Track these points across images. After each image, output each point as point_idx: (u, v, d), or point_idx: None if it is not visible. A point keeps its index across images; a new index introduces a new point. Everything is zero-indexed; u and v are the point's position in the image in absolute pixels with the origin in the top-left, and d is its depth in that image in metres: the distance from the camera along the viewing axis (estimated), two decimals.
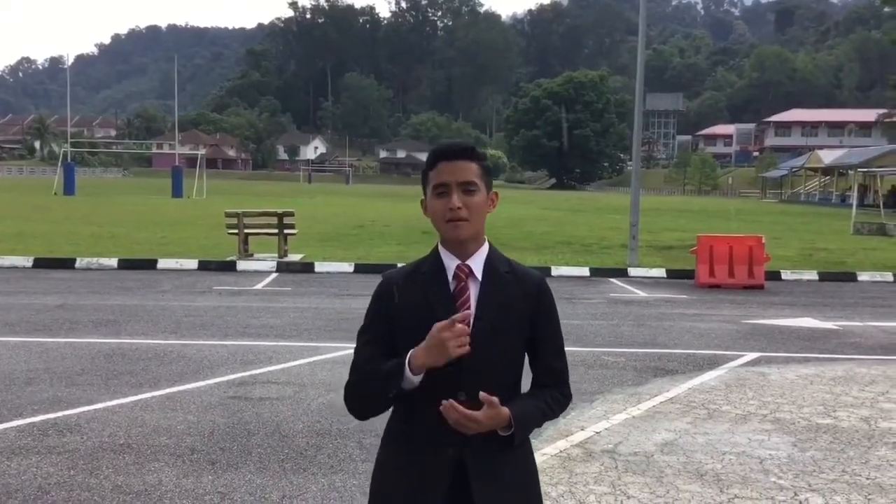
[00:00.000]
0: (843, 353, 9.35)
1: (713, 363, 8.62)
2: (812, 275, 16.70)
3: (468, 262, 2.21)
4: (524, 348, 2.27)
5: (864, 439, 6.16)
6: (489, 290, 2.20)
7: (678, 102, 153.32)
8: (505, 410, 2.10)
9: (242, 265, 16.31)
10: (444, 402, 2.05)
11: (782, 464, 5.56)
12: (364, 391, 2.22)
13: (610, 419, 6.50)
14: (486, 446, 2.14)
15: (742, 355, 9.04)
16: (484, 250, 2.24)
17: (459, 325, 2.04)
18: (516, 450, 2.20)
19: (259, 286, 13.96)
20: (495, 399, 2.08)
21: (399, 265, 14.69)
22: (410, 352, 2.10)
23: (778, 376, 8.11)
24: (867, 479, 5.33)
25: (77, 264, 15.85)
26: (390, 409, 2.26)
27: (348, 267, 16.22)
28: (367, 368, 2.21)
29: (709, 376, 8.05)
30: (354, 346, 2.30)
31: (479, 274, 2.20)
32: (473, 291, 2.19)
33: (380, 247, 19.74)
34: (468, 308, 2.17)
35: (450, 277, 2.20)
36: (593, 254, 19.48)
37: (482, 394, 2.07)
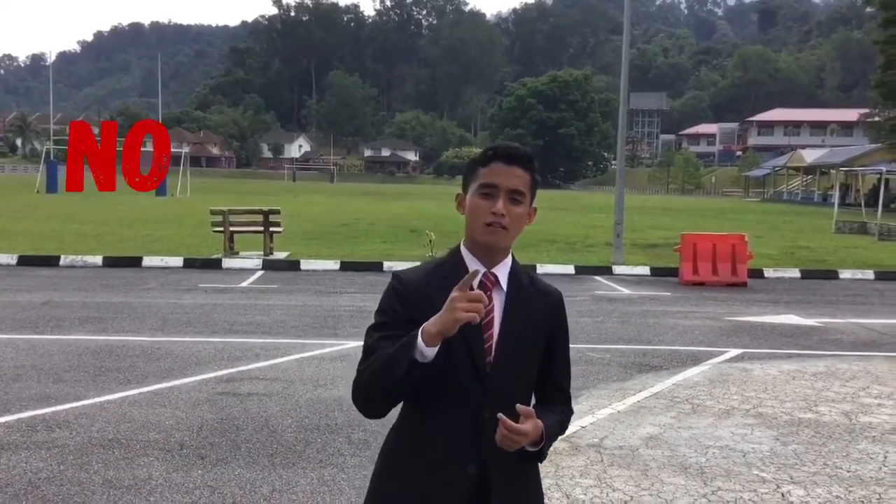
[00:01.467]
0: (825, 350, 9.47)
1: (697, 359, 8.72)
2: (794, 273, 16.87)
3: (494, 270, 2.12)
4: (539, 364, 2.20)
5: (845, 433, 6.26)
6: (514, 304, 2.13)
7: (662, 102, 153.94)
8: (541, 423, 2.05)
9: (228, 263, 16.29)
10: (501, 416, 1.95)
11: (765, 457, 5.66)
12: (375, 373, 2.04)
13: (595, 414, 6.57)
14: (508, 461, 2.07)
15: (725, 352, 9.15)
16: (508, 261, 2.16)
17: (474, 292, 1.92)
18: (531, 468, 2.17)
19: (245, 284, 13.96)
20: (533, 410, 2.03)
21: (385, 263, 14.51)
22: (424, 325, 1.98)
23: (760, 372, 8.22)
24: (847, 471, 5.43)
25: (62, 262, 15.78)
26: (393, 420, 2.16)
27: (334, 265, 16.23)
28: (380, 353, 2.06)
29: (692, 372, 8.14)
30: (363, 343, 2.15)
31: (504, 284, 2.13)
32: (498, 302, 2.12)
33: (365, 245, 19.76)
34: (492, 316, 2.09)
35: (475, 284, 2.06)
36: (578, 252, 19.59)
37: (520, 406, 1.99)
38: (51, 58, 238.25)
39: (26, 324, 9.83)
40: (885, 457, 5.73)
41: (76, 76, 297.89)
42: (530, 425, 1.99)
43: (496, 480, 2.07)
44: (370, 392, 2.07)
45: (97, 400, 6.63)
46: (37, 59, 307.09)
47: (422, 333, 1.95)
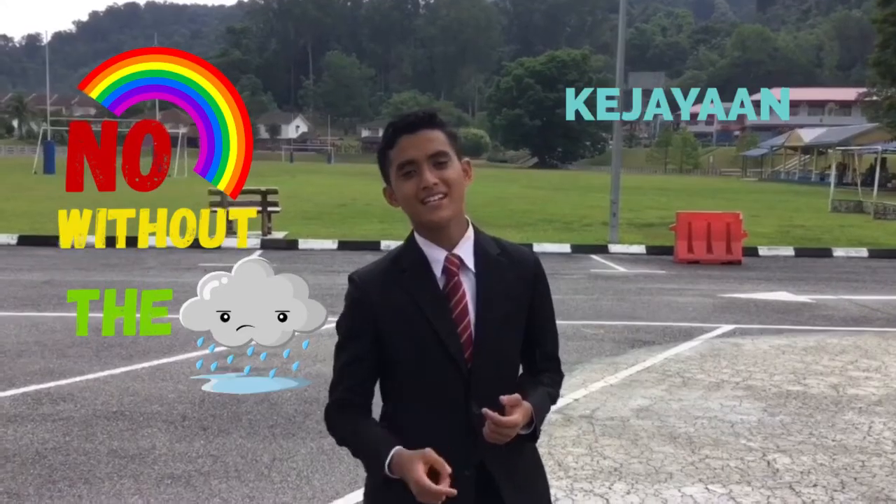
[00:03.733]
0: (816, 325, 9.62)
1: (689, 335, 8.87)
2: (788, 251, 17.01)
3: (456, 251, 1.94)
4: (522, 334, 2.04)
5: (832, 405, 6.41)
6: (485, 282, 1.94)
7: (660, 81, 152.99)
8: (528, 406, 1.91)
9: (227, 242, 16.37)
10: (486, 411, 1.82)
11: (752, 427, 5.81)
12: (342, 442, 2.03)
13: (588, 387, 6.72)
14: (507, 454, 1.95)
15: (717, 327, 9.30)
16: (470, 234, 1.97)
17: (439, 488, 1.75)
18: (527, 446, 2.04)
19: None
20: (519, 397, 1.88)
21: (383, 243, 14.61)
22: (395, 451, 1.84)
23: (751, 346, 8.36)
24: (833, 440, 5.58)
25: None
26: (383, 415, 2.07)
27: (332, 244, 16.36)
28: (349, 416, 1.98)
29: (684, 347, 8.29)
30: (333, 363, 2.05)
31: (471, 264, 1.94)
32: (468, 285, 1.93)
33: (362, 225, 19.87)
34: (464, 303, 1.92)
35: (437, 272, 1.93)
36: (574, 231, 19.71)
37: (504, 397, 1.84)
38: (46, 38, 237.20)
39: (28, 302, 9.96)
40: (870, 427, 5.88)
41: (72, 56, 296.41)
42: (518, 414, 1.85)
43: (501, 477, 1.95)
44: (340, 443, 2.07)
45: (100, 374, 6.77)
46: (32, 40, 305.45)
47: (389, 465, 1.84)
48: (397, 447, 1.85)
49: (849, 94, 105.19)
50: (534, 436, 1.98)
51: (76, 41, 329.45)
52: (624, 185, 19.18)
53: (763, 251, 16.80)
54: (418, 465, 1.78)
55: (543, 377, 2.08)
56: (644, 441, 5.46)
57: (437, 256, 1.93)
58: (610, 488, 4.67)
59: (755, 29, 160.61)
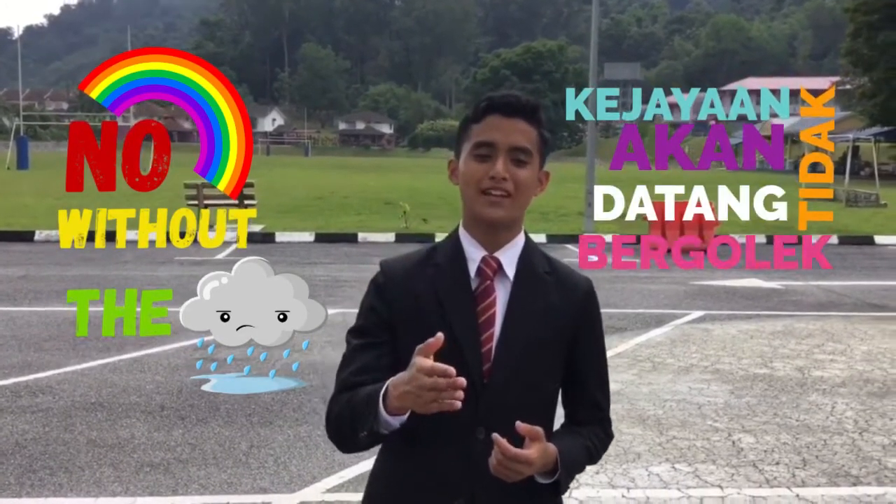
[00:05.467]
0: (784, 310, 9.83)
1: (661, 321, 9.04)
2: (761, 238, 17.23)
3: (497, 254, 1.74)
4: (562, 372, 1.80)
5: (797, 386, 6.59)
6: (522, 294, 1.73)
7: (636, 72, 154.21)
8: (552, 448, 1.65)
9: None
10: (495, 437, 1.57)
11: (719, 409, 5.97)
12: (338, 420, 1.72)
13: None
14: (504, 497, 1.68)
15: (688, 313, 9.48)
16: (519, 242, 1.77)
17: (441, 380, 1.49)
18: (545, 499, 1.74)
19: (221, 256, 14.09)
20: (539, 430, 1.60)
21: (360, 235, 14.70)
22: (389, 382, 1.58)
23: (721, 332, 8.55)
24: (797, 420, 5.75)
25: (36, 237, 15.83)
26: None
27: (309, 236, 16.41)
28: (349, 393, 1.70)
29: (656, 333, 8.46)
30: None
31: (510, 271, 1.74)
32: (502, 294, 1.73)
33: (340, 217, 19.91)
34: (493, 312, 1.71)
35: (472, 272, 1.73)
36: (551, 221, 19.88)
37: (521, 424, 1.59)
38: (18, 32, 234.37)
39: (4, 296, 9.96)
40: (833, 407, 6.06)
41: (43, 50, 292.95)
42: (536, 450, 1.59)
43: None
44: (337, 439, 1.77)
45: (78, 367, 6.82)
46: (3, 34, 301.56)
47: (384, 398, 1.58)
48: (391, 381, 1.60)
49: (823, 83, 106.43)
50: (556, 488, 1.69)
51: (48, 34, 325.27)
52: (600, 176, 19.36)
53: (736, 239, 17.03)
54: (415, 361, 1.52)
55: (584, 430, 1.81)
56: (614, 424, 5.59)
57: (475, 255, 1.73)
58: None
59: (730, 19, 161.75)
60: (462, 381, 1.49)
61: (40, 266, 12.55)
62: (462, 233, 1.76)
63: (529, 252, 1.77)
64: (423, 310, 1.70)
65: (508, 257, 1.74)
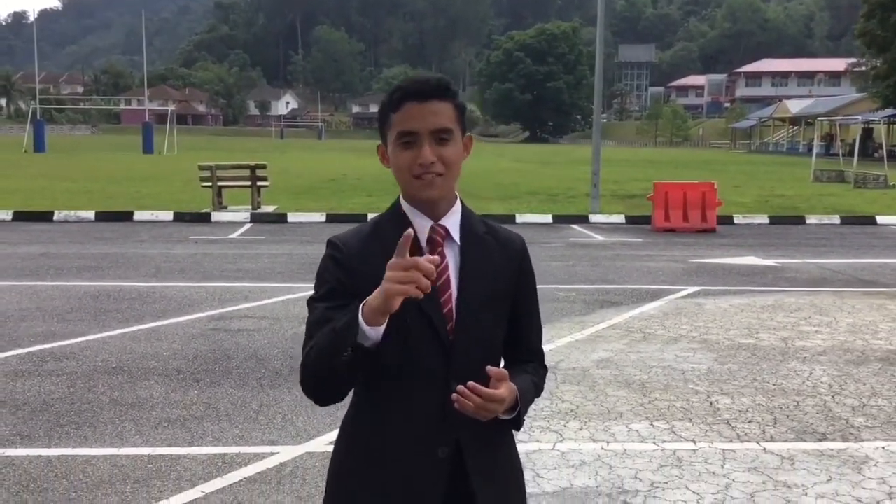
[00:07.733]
0: (777, 286, 10.14)
1: (656, 296, 9.38)
2: (763, 219, 17.52)
3: (442, 221, 1.86)
4: (506, 323, 1.95)
5: (779, 355, 6.93)
6: (472, 256, 1.86)
7: (651, 54, 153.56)
8: (514, 386, 1.80)
9: (217, 216, 16.84)
10: (459, 388, 1.71)
11: (701, 374, 6.33)
12: (317, 358, 1.75)
13: (555, 343, 7.22)
14: (483, 436, 1.85)
15: (683, 289, 9.81)
16: (457, 209, 1.89)
17: (408, 258, 1.61)
18: (507, 437, 1.95)
19: (234, 235, 14.53)
20: (506, 372, 1.78)
21: (370, 216, 15.13)
22: (366, 300, 1.69)
23: (713, 306, 8.88)
24: (773, 385, 6.10)
25: (55, 217, 16.31)
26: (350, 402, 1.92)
27: (320, 217, 16.81)
28: (322, 330, 1.76)
29: (650, 307, 8.80)
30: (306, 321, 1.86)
31: (456, 236, 1.86)
32: (452, 258, 1.85)
33: (351, 198, 20.30)
34: (447, 275, 1.83)
35: (422, 241, 1.84)
36: (558, 202, 20.20)
37: (491, 368, 1.75)
38: (33, 16, 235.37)
39: (27, 272, 10.41)
40: (811, 374, 6.40)
41: (59, 34, 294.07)
42: (505, 389, 1.75)
43: (472, 461, 1.84)
44: (319, 376, 1.78)
45: (99, 336, 7.24)
46: (18, 18, 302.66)
47: (362, 310, 1.68)
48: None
49: (838, 64, 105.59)
50: (517, 422, 1.87)
51: (63, 18, 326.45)
52: (612, 158, 19.80)
53: (738, 219, 17.31)
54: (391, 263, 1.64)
55: (528, 367, 1.98)
56: (601, 387, 5.97)
57: (422, 225, 1.84)
58: (565, 426, 5.18)
59: (745, 0, 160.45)
60: (429, 266, 1.62)
61: (60, 244, 13.01)
62: (404, 205, 1.87)
63: (468, 216, 1.91)
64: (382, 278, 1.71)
65: (452, 223, 1.87)
